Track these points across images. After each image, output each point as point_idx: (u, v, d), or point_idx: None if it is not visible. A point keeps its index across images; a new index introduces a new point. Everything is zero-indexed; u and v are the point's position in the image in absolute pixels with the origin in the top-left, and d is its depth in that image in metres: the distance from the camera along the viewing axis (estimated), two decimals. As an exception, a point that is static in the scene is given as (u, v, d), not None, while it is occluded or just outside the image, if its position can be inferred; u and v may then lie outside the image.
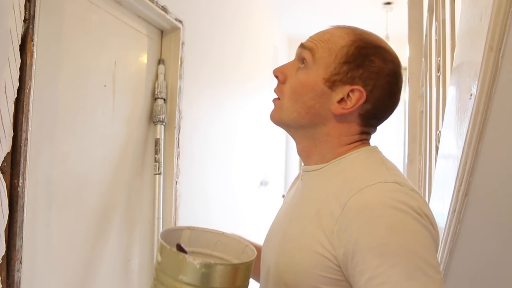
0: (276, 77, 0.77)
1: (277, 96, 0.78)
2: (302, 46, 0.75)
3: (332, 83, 0.71)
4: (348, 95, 0.71)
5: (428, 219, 0.61)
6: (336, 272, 0.63)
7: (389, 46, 0.75)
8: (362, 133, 0.75)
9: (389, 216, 0.59)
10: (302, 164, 0.82)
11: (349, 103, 0.71)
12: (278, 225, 0.81)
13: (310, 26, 3.85)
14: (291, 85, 0.74)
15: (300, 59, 0.75)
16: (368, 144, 0.76)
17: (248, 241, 0.76)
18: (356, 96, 0.70)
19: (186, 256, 0.61)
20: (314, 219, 0.68)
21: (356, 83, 0.70)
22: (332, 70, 0.71)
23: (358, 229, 0.60)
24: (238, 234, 0.79)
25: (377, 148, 0.76)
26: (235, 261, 0.74)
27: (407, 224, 0.59)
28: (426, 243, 0.59)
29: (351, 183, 0.66)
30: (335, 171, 0.72)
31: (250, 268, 0.65)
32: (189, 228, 0.76)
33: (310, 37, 0.75)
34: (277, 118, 0.78)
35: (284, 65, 0.77)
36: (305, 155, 0.78)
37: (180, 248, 0.71)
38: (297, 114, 0.74)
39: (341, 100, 0.71)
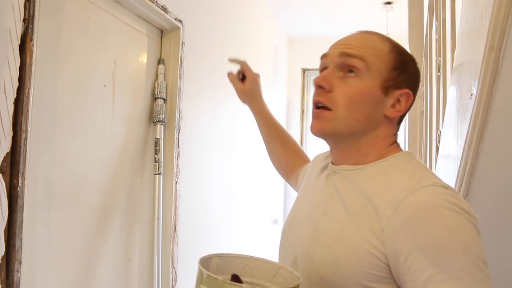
0: (320, 87, 0.75)
1: (322, 106, 0.75)
2: (348, 54, 0.73)
3: (386, 89, 0.74)
4: (398, 99, 0.75)
5: (476, 221, 0.65)
6: (382, 270, 0.65)
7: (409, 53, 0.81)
8: (395, 134, 0.79)
9: (447, 217, 0.63)
10: (330, 162, 0.82)
11: (401, 106, 0.75)
12: (305, 215, 0.81)
13: (310, 26, 3.85)
14: (346, 94, 0.73)
15: (344, 66, 0.74)
16: (397, 143, 0.80)
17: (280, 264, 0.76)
18: (404, 99, 0.75)
19: (244, 285, 0.60)
20: (357, 216, 0.70)
21: (403, 87, 0.75)
22: (385, 76, 0.73)
23: (415, 229, 0.63)
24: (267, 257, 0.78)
25: (412, 153, 0.78)
26: (267, 284, 0.73)
27: (463, 225, 0.63)
28: (478, 242, 0.63)
29: (396, 184, 0.68)
30: (374, 171, 0.74)
31: None
32: (217, 255, 0.74)
33: (349, 45, 0.74)
34: (329, 129, 0.75)
35: (324, 74, 0.75)
36: (342, 158, 0.79)
37: (235, 279, 0.70)
38: (355, 121, 0.74)
39: (393, 105, 0.75)
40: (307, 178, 0.92)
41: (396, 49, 0.76)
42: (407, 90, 0.74)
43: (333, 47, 0.78)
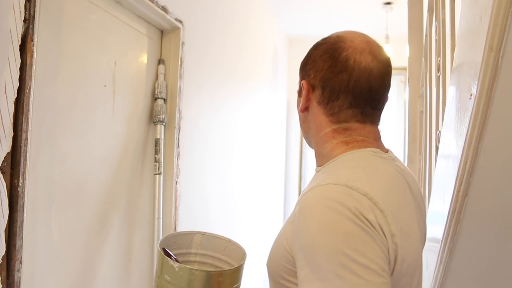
0: None
1: None
2: None
3: (299, 94, 0.82)
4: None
5: (369, 223, 0.60)
6: (293, 264, 0.66)
7: (335, 35, 0.78)
8: (335, 123, 0.75)
9: (320, 215, 0.61)
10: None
11: (303, 95, 0.79)
12: None
13: (310, 26, 3.85)
14: None
15: None
16: (366, 145, 0.74)
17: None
18: (304, 89, 0.78)
19: (169, 259, 0.71)
20: (292, 214, 0.73)
21: (301, 82, 0.80)
22: (298, 86, 0.82)
23: (297, 226, 0.64)
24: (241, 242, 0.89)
25: (371, 152, 0.73)
26: (236, 265, 0.84)
27: (337, 224, 0.59)
28: (359, 244, 0.58)
29: (313, 183, 0.69)
30: (322, 171, 0.76)
31: (234, 275, 0.74)
32: (200, 233, 0.86)
33: None
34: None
35: None
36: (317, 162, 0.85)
37: (166, 253, 0.80)
38: (303, 132, 0.86)
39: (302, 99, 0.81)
40: None
41: (307, 53, 0.81)
42: (302, 82, 0.79)
43: None
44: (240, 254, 0.85)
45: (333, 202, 0.61)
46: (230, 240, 0.86)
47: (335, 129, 0.75)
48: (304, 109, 0.79)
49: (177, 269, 0.69)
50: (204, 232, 0.85)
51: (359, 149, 0.73)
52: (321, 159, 0.79)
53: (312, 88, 0.77)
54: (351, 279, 0.56)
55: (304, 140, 4.41)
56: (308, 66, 0.79)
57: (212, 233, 0.86)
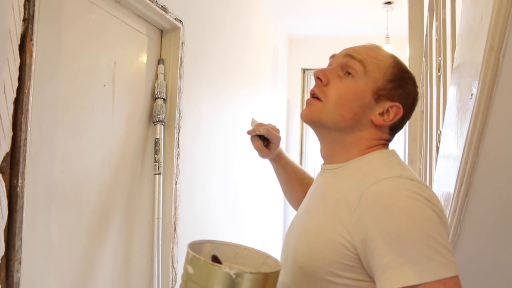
0: (318, 79, 0.82)
1: (316, 97, 0.82)
2: (351, 56, 0.80)
3: (378, 96, 0.79)
4: (387, 109, 0.79)
5: (441, 210, 0.67)
6: (351, 259, 0.69)
7: (405, 65, 0.85)
8: (387, 140, 0.83)
9: (406, 204, 0.66)
10: (322, 162, 0.89)
11: (389, 117, 0.79)
12: (299, 216, 0.88)
13: (310, 26, 3.85)
14: (338, 90, 0.80)
15: (345, 67, 0.80)
16: (387, 147, 0.83)
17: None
18: (394, 111, 0.79)
19: (222, 266, 0.65)
20: (332, 210, 0.75)
21: (395, 101, 0.79)
22: (380, 85, 0.79)
23: (375, 216, 0.66)
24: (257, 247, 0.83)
25: (395, 152, 0.82)
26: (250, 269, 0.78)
27: (422, 211, 0.65)
28: (440, 228, 0.65)
29: (368, 177, 0.72)
30: (354, 169, 0.78)
31: (277, 278, 0.70)
32: (209, 241, 0.80)
33: (355, 50, 0.81)
34: (315, 117, 0.81)
35: (325, 69, 0.83)
36: (330, 155, 0.85)
37: (215, 259, 0.75)
38: (341, 118, 0.79)
39: (382, 113, 0.79)
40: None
41: (398, 66, 0.81)
42: (398, 104, 0.79)
43: (343, 50, 0.84)
44: (257, 258, 0.78)
45: (412, 192, 0.66)
46: (241, 246, 0.81)
47: (383, 143, 0.82)
48: (382, 125, 0.80)
49: (233, 276, 0.63)
50: (214, 240, 0.80)
51: (383, 149, 0.81)
52: (346, 157, 0.81)
53: (400, 115, 0.80)
54: (439, 260, 0.62)
55: (304, 140, 4.41)
56: (402, 93, 0.80)
57: (222, 241, 0.81)
